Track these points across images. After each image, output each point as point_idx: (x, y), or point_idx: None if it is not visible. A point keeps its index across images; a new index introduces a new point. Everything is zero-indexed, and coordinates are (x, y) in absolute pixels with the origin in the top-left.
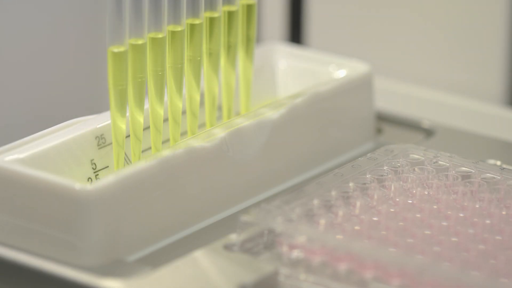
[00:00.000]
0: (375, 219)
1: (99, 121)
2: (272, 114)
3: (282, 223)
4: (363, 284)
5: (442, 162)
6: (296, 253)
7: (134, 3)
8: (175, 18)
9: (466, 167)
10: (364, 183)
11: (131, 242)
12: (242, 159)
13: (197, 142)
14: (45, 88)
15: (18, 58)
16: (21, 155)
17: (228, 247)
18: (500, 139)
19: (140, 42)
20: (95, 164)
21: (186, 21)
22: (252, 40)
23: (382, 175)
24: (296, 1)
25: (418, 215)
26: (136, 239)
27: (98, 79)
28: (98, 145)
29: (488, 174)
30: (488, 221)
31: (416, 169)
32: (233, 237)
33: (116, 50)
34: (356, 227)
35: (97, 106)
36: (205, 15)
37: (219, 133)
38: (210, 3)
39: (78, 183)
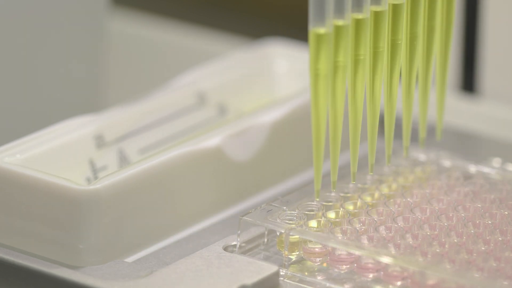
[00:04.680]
0: (375, 219)
1: (98, 121)
2: (272, 114)
3: (282, 223)
4: (363, 285)
5: (443, 162)
6: (296, 253)
7: None
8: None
9: (467, 167)
10: (364, 183)
11: (130, 243)
12: (242, 159)
13: (197, 142)
14: (44, 88)
15: (17, 57)
16: (21, 155)
17: (227, 248)
18: (502, 139)
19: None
20: (94, 164)
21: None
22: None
23: (382, 175)
24: (471, 47)
25: (419, 216)
26: (136, 239)
27: (98, 78)
28: (97, 145)
29: (489, 175)
30: (490, 222)
31: (417, 169)
32: (233, 238)
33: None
34: (357, 227)
35: (96, 106)
36: None
37: (219, 133)
38: None
39: (77, 183)
